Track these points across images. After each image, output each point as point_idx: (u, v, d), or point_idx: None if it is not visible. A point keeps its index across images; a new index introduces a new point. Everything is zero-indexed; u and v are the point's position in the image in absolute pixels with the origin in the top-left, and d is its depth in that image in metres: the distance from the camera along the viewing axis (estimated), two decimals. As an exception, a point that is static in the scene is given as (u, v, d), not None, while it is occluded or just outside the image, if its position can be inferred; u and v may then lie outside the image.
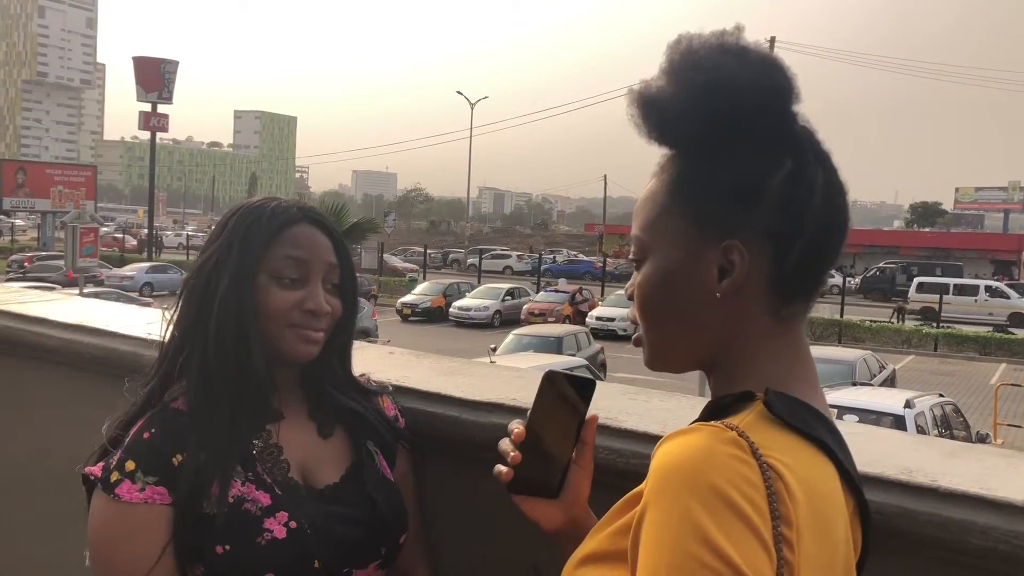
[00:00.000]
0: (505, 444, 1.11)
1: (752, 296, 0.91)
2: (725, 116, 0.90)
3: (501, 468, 1.10)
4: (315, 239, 1.30)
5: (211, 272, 1.26)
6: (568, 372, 1.12)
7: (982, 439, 12.45)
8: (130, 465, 1.20)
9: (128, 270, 35.60)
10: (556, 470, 1.10)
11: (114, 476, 1.19)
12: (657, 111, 0.93)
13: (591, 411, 1.11)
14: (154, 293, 32.23)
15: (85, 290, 18.53)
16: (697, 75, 0.91)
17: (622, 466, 1.30)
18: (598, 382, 1.18)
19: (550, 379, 1.10)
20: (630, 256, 1.00)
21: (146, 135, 53.74)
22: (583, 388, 1.11)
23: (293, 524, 1.22)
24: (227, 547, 1.19)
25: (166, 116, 51.91)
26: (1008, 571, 1.07)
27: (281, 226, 1.28)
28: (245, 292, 1.24)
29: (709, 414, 0.90)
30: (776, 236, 0.89)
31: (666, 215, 0.94)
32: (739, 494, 0.75)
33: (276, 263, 1.26)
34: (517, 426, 1.10)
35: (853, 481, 0.89)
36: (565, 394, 1.10)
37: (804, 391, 0.90)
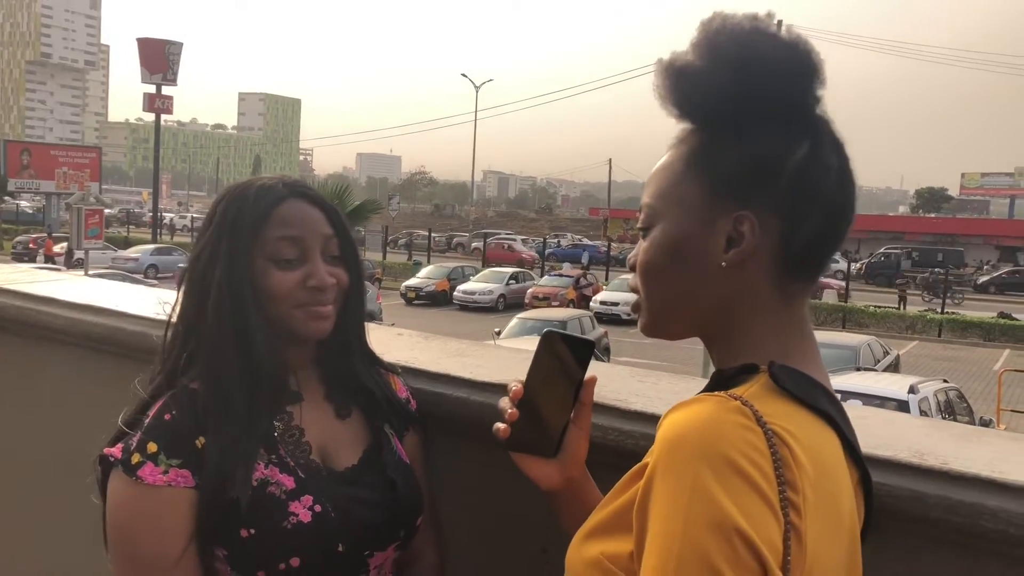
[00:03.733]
0: (503, 402, 1.14)
1: (757, 269, 0.92)
2: (752, 92, 0.91)
3: (499, 425, 1.13)
4: (306, 213, 1.28)
5: (206, 263, 1.25)
6: (566, 332, 1.13)
7: (985, 425, 12.46)
8: (152, 447, 1.17)
9: (132, 252, 35.67)
10: (554, 429, 1.12)
11: (135, 458, 1.17)
12: (686, 82, 0.94)
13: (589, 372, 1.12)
14: (159, 275, 32.29)
15: (91, 271, 18.57)
16: (729, 50, 0.92)
17: (631, 447, 1.30)
18: (605, 363, 1.18)
19: (548, 338, 1.11)
20: (639, 224, 1.01)
21: (150, 117, 53.66)
22: (581, 349, 1.11)
23: (318, 508, 1.21)
24: (252, 531, 1.17)
25: (170, 98, 51.81)
26: (1019, 553, 1.08)
27: (269, 207, 1.25)
28: (242, 280, 1.23)
29: (714, 386, 0.91)
30: (787, 213, 0.91)
31: (681, 183, 0.95)
32: (747, 460, 0.77)
33: (272, 245, 1.24)
34: (515, 384, 1.12)
35: (856, 453, 0.91)
36: (562, 354, 1.11)
37: (806, 365, 0.92)
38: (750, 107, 0.92)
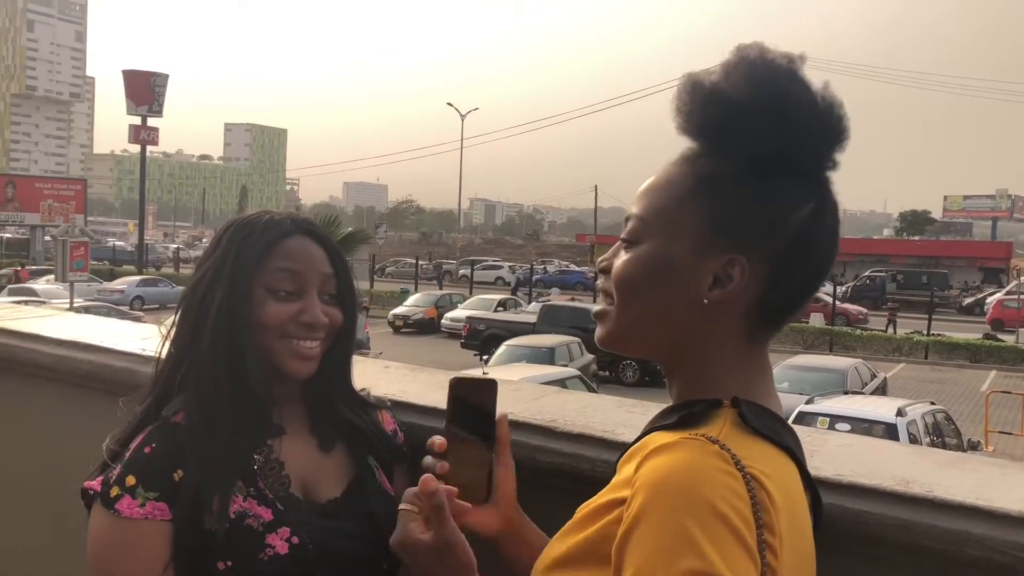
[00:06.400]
0: (428, 460, 1.11)
1: (735, 312, 0.93)
2: (783, 144, 0.91)
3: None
4: (309, 251, 1.30)
5: (207, 288, 1.27)
6: (469, 376, 1.16)
7: (973, 446, 12.48)
8: (130, 480, 1.19)
9: (118, 283, 35.45)
10: (482, 474, 1.14)
11: (114, 491, 1.18)
12: (716, 108, 0.93)
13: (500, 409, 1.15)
14: (144, 307, 32.13)
15: (75, 303, 18.47)
16: (771, 91, 0.91)
17: (620, 479, 1.30)
18: (594, 393, 1.20)
19: (454, 385, 1.14)
20: (623, 235, 0.99)
21: (136, 148, 53.56)
22: (487, 389, 1.15)
23: (295, 540, 1.21)
24: (229, 563, 1.18)
25: (156, 129, 51.77)
26: (1005, 581, 1.08)
27: (275, 239, 1.28)
28: (240, 306, 1.24)
29: (684, 420, 0.91)
30: (778, 266, 0.92)
31: (682, 207, 0.94)
32: (729, 507, 0.78)
33: (271, 276, 1.27)
34: (437, 438, 1.11)
35: (808, 476, 0.94)
36: (472, 398, 1.14)
37: (765, 399, 0.94)
38: (776, 156, 0.91)
